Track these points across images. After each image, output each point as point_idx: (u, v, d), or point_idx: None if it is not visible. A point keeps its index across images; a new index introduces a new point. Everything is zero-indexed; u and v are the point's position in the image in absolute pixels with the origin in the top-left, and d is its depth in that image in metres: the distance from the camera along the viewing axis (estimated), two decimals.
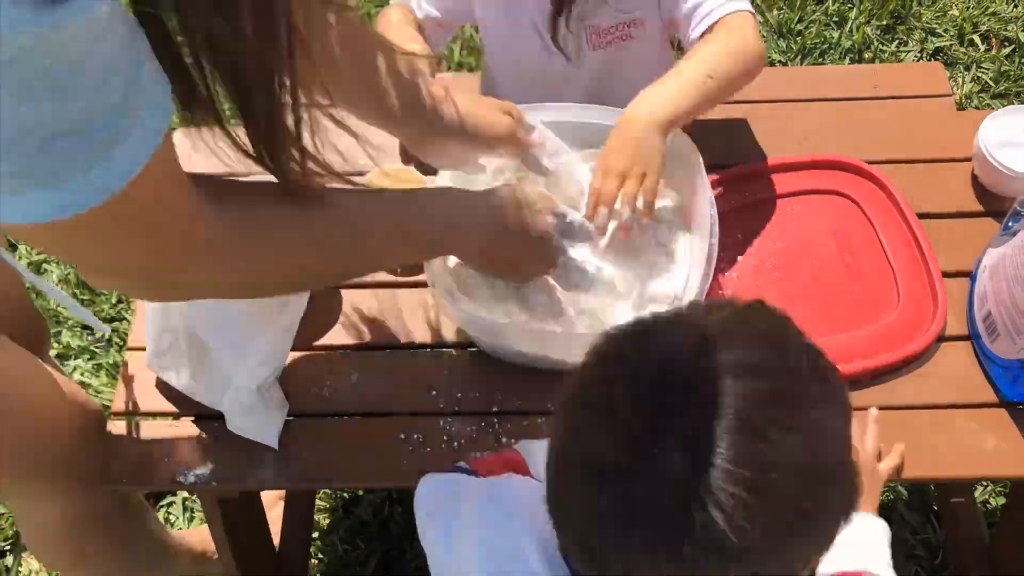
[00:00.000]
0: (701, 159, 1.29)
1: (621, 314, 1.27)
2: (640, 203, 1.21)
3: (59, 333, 2.12)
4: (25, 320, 1.39)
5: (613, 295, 1.28)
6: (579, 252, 1.27)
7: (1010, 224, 1.23)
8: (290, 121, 0.85)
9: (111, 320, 2.13)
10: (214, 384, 1.22)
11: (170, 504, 1.92)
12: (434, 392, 1.28)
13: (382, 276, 1.34)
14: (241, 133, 0.83)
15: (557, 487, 0.74)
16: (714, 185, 1.30)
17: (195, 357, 1.23)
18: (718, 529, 0.63)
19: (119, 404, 1.28)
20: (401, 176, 1.41)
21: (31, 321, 1.48)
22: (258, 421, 1.23)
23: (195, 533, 1.72)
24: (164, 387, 1.28)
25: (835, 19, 2.61)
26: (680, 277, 1.30)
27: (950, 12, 2.62)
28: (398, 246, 1.07)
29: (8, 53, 0.56)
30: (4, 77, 0.57)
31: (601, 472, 0.68)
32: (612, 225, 1.24)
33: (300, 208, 0.94)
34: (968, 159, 1.44)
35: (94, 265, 0.82)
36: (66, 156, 0.62)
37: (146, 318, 1.25)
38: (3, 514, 1.90)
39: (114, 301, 2.15)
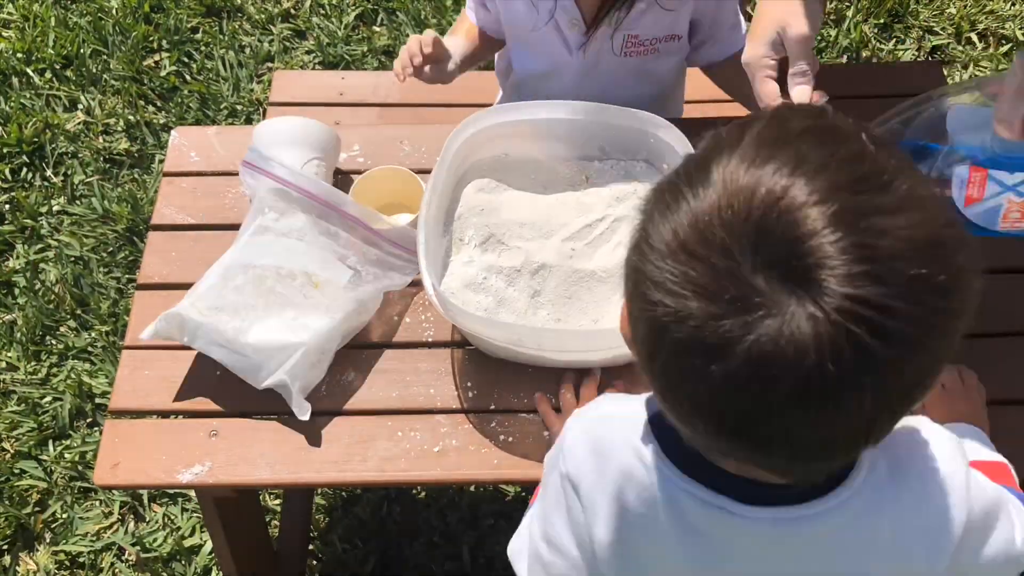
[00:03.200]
0: None
1: (615, 311, 1.27)
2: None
3: (57, 331, 2.12)
4: None
5: (608, 290, 1.29)
6: (578, 250, 1.27)
7: None
8: None
9: (109, 316, 2.13)
10: (281, 326, 1.24)
11: (169, 504, 1.92)
12: (431, 390, 1.28)
13: None
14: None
15: (673, 378, 0.68)
16: None
17: (276, 294, 1.26)
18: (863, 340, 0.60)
19: (116, 403, 1.28)
20: (396, 176, 1.41)
21: None
22: (307, 384, 1.25)
23: None
24: (162, 386, 1.28)
25: (832, 17, 2.61)
26: None
27: (948, 10, 2.62)
28: None
29: None
30: None
31: (723, 339, 0.62)
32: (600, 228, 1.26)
33: None
34: None
35: None
36: None
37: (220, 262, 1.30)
38: (2, 513, 1.90)
39: (110, 300, 2.15)
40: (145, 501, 1.92)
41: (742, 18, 1.54)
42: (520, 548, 1.00)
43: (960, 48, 2.55)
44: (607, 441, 0.85)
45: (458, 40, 1.60)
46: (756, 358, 0.61)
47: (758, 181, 0.63)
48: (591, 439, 0.87)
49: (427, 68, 1.49)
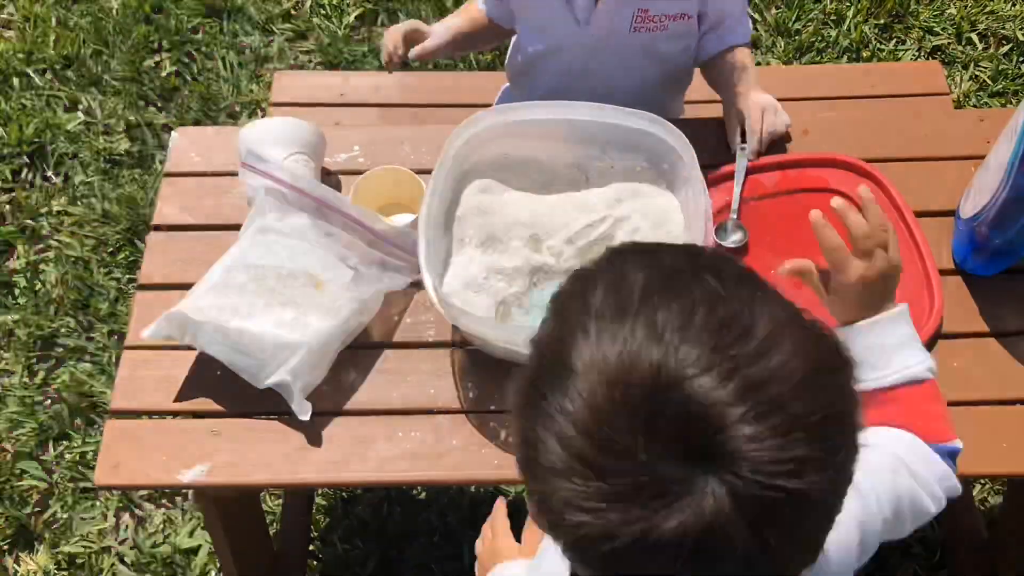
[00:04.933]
0: (695, 156, 1.29)
1: None
2: None
3: (58, 331, 2.12)
4: None
5: None
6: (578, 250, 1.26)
7: None
8: None
9: (109, 316, 2.13)
10: (283, 325, 1.24)
11: (169, 504, 1.92)
12: (432, 391, 1.28)
13: None
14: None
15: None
16: (709, 183, 1.30)
17: (278, 294, 1.26)
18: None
19: (117, 403, 1.28)
20: (396, 177, 1.41)
21: None
22: (308, 383, 1.25)
23: None
24: (162, 387, 1.28)
25: (833, 17, 2.61)
26: None
27: (948, 11, 2.62)
28: None
29: None
30: None
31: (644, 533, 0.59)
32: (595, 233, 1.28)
33: None
34: (965, 157, 1.44)
35: None
36: None
37: (220, 263, 1.29)
38: (2, 514, 1.90)
39: (110, 301, 2.15)
40: (145, 502, 1.92)
41: (748, 9, 1.55)
42: None
43: (960, 48, 2.55)
44: None
45: (451, 22, 1.64)
46: (681, 535, 0.58)
47: (627, 362, 0.60)
48: None
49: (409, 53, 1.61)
